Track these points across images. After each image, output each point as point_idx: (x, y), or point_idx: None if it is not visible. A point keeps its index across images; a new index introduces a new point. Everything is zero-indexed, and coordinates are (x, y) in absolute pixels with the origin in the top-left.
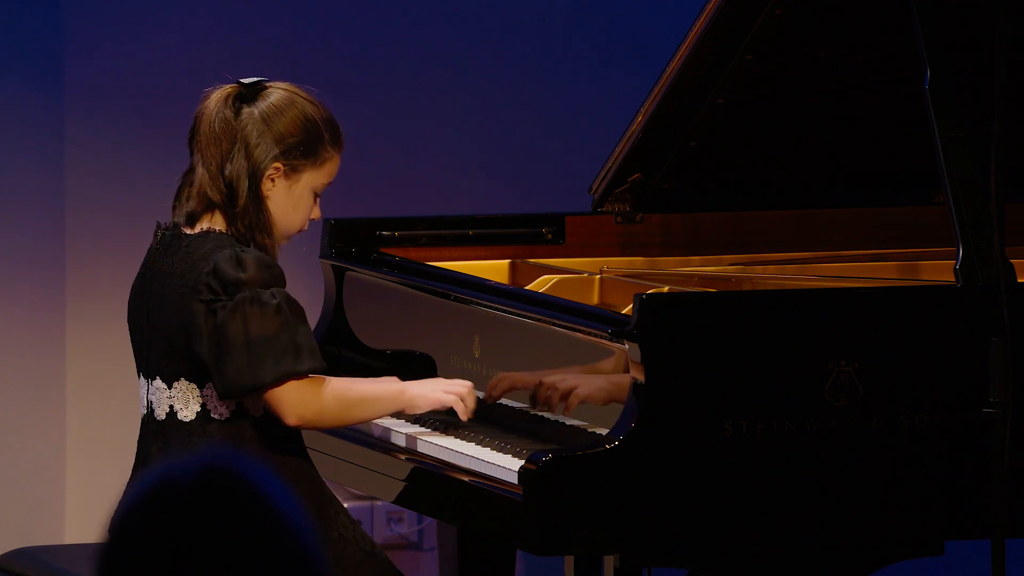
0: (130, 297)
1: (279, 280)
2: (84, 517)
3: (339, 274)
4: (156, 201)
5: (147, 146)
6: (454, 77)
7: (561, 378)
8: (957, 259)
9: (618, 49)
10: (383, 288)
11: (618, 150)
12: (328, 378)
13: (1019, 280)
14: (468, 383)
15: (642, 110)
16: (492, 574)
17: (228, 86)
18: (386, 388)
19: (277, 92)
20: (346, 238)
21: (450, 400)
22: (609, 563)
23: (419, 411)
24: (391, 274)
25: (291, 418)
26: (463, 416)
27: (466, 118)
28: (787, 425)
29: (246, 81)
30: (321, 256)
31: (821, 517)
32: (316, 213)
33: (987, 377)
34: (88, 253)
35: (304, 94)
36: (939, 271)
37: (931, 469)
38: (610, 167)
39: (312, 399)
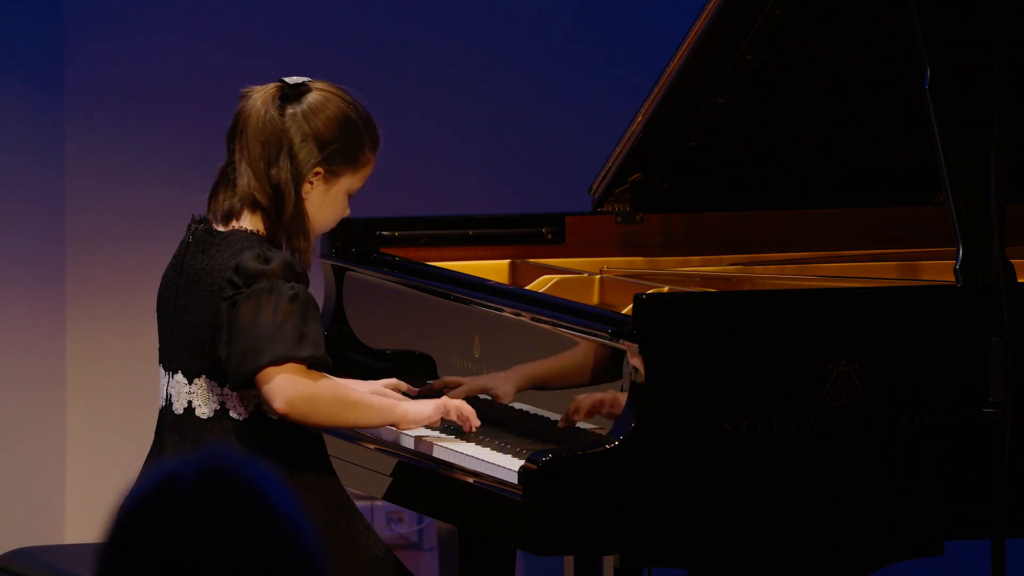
0: (160, 287)
1: (302, 280)
2: (84, 517)
3: (339, 274)
4: (156, 201)
5: (147, 146)
6: (454, 77)
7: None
8: (957, 259)
9: (618, 49)
10: (383, 288)
11: (618, 150)
12: (327, 375)
13: (1019, 280)
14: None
15: (642, 110)
16: (492, 574)
17: (271, 85)
18: (380, 399)
19: (319, 94)
20: (346, 238)
21: (448, 411)
22: (609, 563)
23: (410, 425)
24: (391, 274)
25: (279, 402)
26: (472, 421)
27: (466, 118)
28: (787, 425)
29: (290, 81)
30: (321, 256)
31: (821, 517)
32: (346, 211)
33: (987, 377)
34: (88, 253)
35: (346, 96)
36: (939, 271)
37: (931, 469)
38: (610, 167)
39: (305, 386)
